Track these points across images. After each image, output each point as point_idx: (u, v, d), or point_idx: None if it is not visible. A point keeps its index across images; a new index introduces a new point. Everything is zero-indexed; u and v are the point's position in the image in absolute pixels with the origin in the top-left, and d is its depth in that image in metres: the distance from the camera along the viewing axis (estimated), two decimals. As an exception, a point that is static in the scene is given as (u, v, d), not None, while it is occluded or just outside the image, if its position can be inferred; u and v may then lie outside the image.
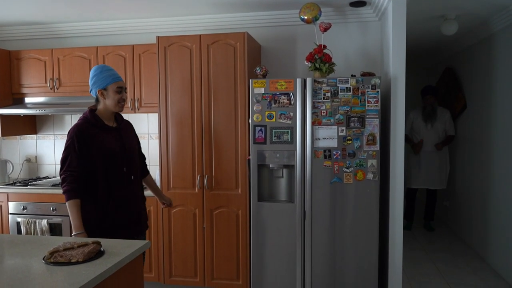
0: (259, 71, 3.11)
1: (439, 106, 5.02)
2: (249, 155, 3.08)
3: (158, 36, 3.29)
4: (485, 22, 3.91)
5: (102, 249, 1.80)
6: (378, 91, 2.85)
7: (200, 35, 3.24)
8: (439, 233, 5.17)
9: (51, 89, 3.73)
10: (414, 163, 5.00)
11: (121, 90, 2.36)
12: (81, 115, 2.38)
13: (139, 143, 2.64)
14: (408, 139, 4.92)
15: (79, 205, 2.23)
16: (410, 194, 5.19)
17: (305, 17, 3.17)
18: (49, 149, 4.16)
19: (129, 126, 2.59)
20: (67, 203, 2.23)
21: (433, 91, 4.96)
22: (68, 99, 3.73)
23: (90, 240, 1.86)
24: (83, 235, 2.19)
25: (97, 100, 2.38)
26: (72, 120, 4.06)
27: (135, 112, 3.58)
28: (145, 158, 2.73)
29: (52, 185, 3.58)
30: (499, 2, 3.33)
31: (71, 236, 2.21)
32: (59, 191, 3.43)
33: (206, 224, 3.28)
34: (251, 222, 3.07)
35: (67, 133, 2.30)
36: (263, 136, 3.00)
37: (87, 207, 2.26)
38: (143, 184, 2.68)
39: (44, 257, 1.70)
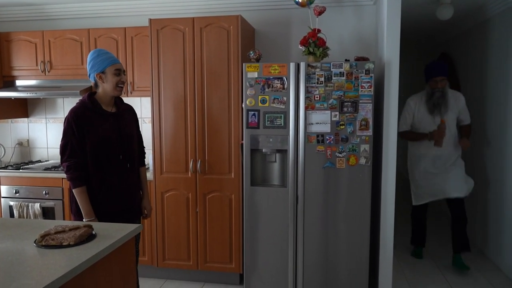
0: (252, 55, 3.08)
1: (450, 89, 3.61)
2: (242, 139, 3.08)
3: (150, 19, 3.24)
4: (481, 6, 3.88)
5: (94, 232, 1.81)
6: (371, 76, 2.84)
7: (193, 18, 3.19)
8: (431, 221, 5.18)
9: (42, 72, 3.68)
10: (417, 170, 3.66)
11: (120, 72, 2.33)
12: (79, 99, 2.36)
13: (139, 130, 2.60)
14: (414, 135, 3.62)
15: (86, 191, 2.25)
16: (417, 213, 3.85)
17: (300, 0, 3.13)
18: (41, 132, 4.12)
19: (129, 111, 2.54)
20: (74, 191, 2.24)
21: (444, 70, 3.52)
22: (59, 82, 3.68)
23: (82, 223, 1.87)
24: (94, 221, 2.20)
25: (96, 85, 2.35)
26: (64, 103, 4.02)
27: (127, 96, 3.55)
28: (144, 148, 2.68)
29: (45, 169, 3.56)
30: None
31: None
32: (52, 175, 3.44)
33: (199, 208, 3.30)
34: (244, 206, 3.09)
35: (61, 117, 2.28)
36: (256, 120, 2.99)
37: None
38: None
39: (36, 240, 1.70)
